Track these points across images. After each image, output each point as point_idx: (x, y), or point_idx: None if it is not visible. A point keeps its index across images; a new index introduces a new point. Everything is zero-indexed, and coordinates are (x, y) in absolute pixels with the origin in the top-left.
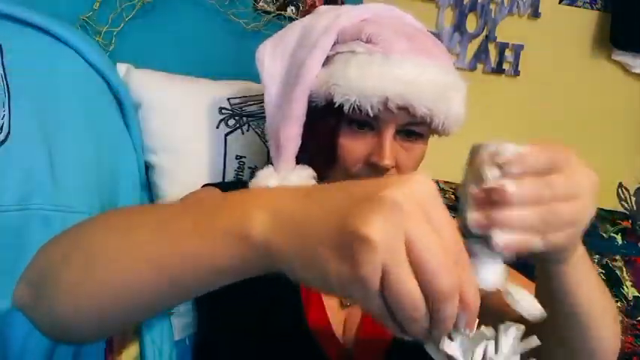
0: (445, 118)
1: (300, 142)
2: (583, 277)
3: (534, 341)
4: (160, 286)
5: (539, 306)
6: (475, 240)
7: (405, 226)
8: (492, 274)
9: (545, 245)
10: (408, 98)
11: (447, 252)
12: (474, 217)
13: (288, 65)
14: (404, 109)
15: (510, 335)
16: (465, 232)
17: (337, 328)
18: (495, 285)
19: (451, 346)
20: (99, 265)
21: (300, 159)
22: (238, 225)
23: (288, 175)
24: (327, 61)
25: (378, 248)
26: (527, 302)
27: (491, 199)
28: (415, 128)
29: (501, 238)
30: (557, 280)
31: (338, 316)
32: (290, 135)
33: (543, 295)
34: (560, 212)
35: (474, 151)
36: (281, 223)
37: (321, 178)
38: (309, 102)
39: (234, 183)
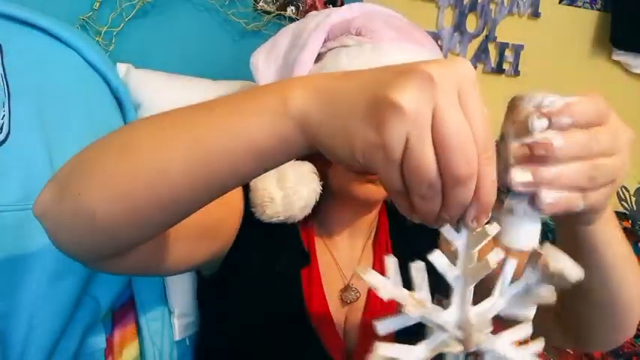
0: None
1: None
2: (611, 236)
3: (552, 296)
4: (195, 168)
5: (577, 266)
6: (513, 197)
7: (435, 101)
8: (529, 234)
9: (586, 205)
10: None
11: (472, 139)
12: (518, 174)
13: (282, 65)
14: None
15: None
16: (502, 189)
17: (339, 325)
18: (532, 245)
19: (451, 233)
20: (136, 146)
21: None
22: (279, 100)
23: (286, 171)
24: (319, 57)
25: (406, 116)
26: (566, 262)
27: (536, 155)
28: None
29: (549, 196)
30: (584, 239)
31: (340, 313)
32: None
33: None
34: (604, 168)
35: (515, 104)
36: (318, 95)
37: (320, 172)
38: None
39: None
